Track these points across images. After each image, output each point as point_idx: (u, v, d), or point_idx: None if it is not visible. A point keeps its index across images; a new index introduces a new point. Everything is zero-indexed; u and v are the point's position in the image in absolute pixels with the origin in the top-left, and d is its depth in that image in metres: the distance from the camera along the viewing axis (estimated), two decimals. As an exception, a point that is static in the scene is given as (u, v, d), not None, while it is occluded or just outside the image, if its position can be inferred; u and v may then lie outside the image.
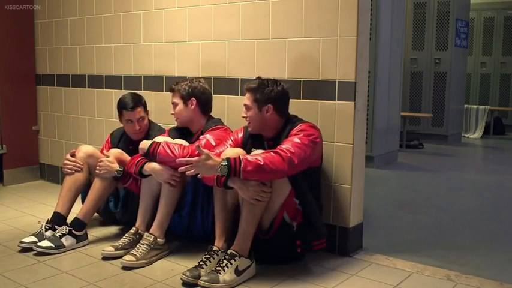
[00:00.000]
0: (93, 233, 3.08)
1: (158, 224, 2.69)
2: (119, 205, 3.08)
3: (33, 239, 2.80)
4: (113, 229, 3.17)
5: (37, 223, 3.06)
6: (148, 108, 3.18)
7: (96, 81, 4.01)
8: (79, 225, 2.86)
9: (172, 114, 2.96)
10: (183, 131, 2.99)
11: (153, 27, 3.58)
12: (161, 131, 3.13)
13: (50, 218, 2.94)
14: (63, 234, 2.80)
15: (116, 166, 2.90)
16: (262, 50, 3.02)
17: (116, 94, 3.84)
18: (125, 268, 2.54)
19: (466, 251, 2.91)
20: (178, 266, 2.59)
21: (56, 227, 2.88)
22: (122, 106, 3.08)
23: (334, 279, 2.46)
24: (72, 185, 3.00)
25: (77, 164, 3.03)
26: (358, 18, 2.64)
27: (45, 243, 2.75)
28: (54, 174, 4.43)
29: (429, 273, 2.54)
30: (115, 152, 2.99)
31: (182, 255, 2.74)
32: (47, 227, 2.87)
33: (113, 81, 3.89)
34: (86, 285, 2.37)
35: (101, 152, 3.19)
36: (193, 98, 2.90)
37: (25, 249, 2.77)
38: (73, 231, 2.82)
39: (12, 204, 3.75)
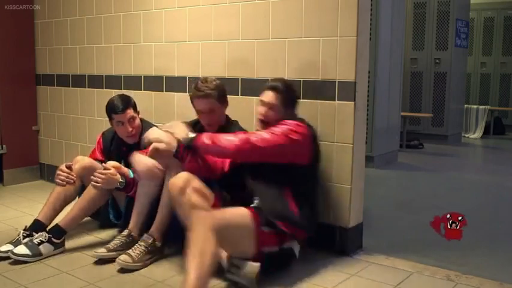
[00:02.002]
0: (94, 234, 3.08)
1: (158, 226, 2.65)
2: (122, 217, 2.98)
3: (10, 247, 2.66)
4: (112, 232, 3.15)
5: (15, 230, 2.94)
6: (139, 109, 3.09)
7: (96, 81, 4.01)
8: (59, 232, 2.74)
9: (209, 123, 2.75)
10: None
11: (153, 27, 3.58)
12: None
13: (28, 225, 2.81)
14: (42, 242, 2.67)
15: (119, 178, 2.81)
16: (262, 50, 3.02)
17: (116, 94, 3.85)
18: (121, 270, 2.52)
19: (466, 251, 2.90)
20: (178, 267, 2.59)
21: (33, 233, 2.74)
22: (110, 109, 2.97)
23: (334, 279, 2.46)
24: (61, 194, 2.90)
25: (70, 177, 2.94)
26: (358, 18, 2.64)
27: (21, 249, 2.62)
28: (54, 174, 4.39)
29: (429, 273, 2.54)
30: (113, 164, 2.88)
31: (182, 255, 2.73)
32: (24, 235, 2.72)
33: (112, 81, 3.89)
34: (86, 285, 2.37)
35: (93, 151, 3.13)
36: (225, 97, 2.81)
37: (2, 258, 2.63)
38: (52, 238, 2.70)
39: (12, 204, 3.75)
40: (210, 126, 2.76)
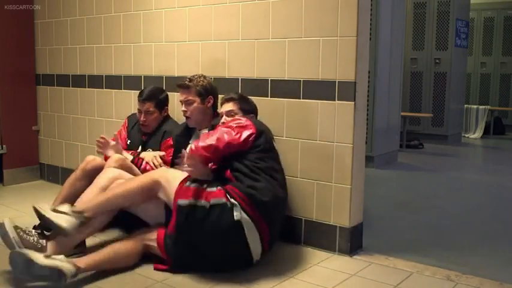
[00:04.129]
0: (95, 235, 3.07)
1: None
2: None
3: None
4: (114, 233, 3.16)
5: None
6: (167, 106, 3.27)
7: (96, 81, 4.01)
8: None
9: (184, 110, 2.96)
10: (189, 131, 3.00)
11: (153, 27, 3.58)
12: (173, 126, 3.17)
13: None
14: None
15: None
16: (262, 50, 3.02)
17: (116, 94, 3.85)
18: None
19: (466, 251, 2.91)
20: (178, 266, 2.59)
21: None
22: (139, 94, 3.22)
23: (334, 279, 2.46)
24: (71, 191, 2.91)
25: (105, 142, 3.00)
26: (358, 18, 2.65)
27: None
28: (54, 174, 4.43)
29: (429, 273, 2.55)
30: (118, 157, 2.90)
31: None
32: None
33: (113, 81, 3.89)
34: (86, 286, 2.37)
35: (118, 133, 3.27)
36: (210, 96, 2.97)
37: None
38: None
39: (12, 204, 3.75)
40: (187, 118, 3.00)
